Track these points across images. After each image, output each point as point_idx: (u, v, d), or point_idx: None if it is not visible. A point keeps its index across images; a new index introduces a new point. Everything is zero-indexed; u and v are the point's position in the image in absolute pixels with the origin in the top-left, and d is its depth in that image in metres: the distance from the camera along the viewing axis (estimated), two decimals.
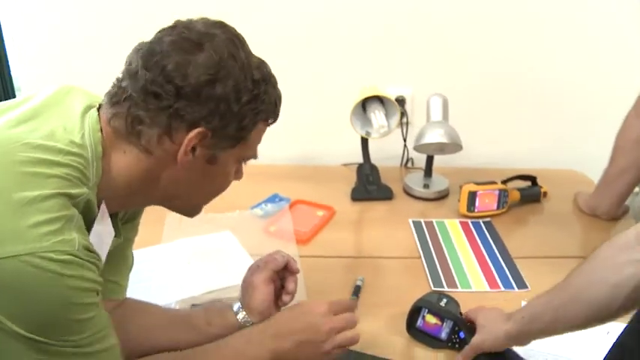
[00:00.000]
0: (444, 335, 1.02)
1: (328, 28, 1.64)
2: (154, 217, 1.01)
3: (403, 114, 1.66)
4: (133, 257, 0.96)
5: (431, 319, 1.02)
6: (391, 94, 1.60)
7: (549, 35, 1.68)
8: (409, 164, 1.76)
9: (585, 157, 1.69)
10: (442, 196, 1.59)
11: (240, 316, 0.93)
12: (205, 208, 0.87)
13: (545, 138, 1.81)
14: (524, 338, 0.89)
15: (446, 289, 1.19)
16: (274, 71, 0.78)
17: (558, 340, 0.87)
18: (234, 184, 0.85)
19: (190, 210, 0.86)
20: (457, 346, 1.00)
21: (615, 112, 1.39)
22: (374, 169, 1.61)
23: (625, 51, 1.68)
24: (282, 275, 0.97)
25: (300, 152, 1.79)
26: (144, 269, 1.12)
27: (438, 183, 1.61)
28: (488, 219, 1.47)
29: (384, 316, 1.09)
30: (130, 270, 0.96)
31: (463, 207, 1.47)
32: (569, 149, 1.79)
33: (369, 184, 1.58)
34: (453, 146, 1.46)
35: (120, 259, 0.90)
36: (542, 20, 1.66)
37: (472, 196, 1.46)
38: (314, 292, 1.14)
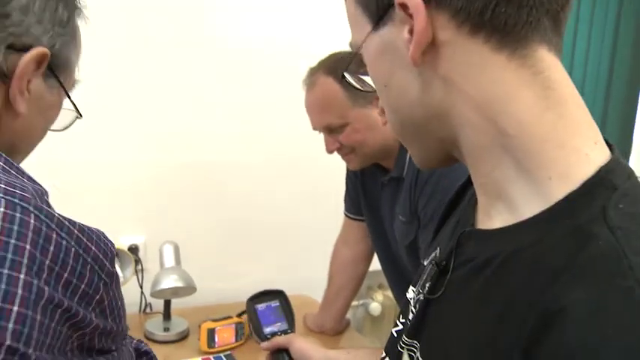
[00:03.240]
0: None
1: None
2: None
3: (137, 262, 1.70)
4: None
5: None
6: (124, 244, 1.65)
7: (268, 182, 1.94)
8: (148, 309, 1.79)
9: (310, 280, 1.91)
10: (183, 336, 1.64)
11: None
12: None
13: (271, 268, 2.01)
14: None
15: None
16: None
17: None
18: None
19: None
20: None
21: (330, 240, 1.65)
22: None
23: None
24: None
25: None
26: None
27: (178, 324, 1.66)
28: (228, 352, 1.56)
29: None
30: None
31: (204, 344, 1.54)
32: (294, 275, 2.00)
33: None
34: (188, 289, 1.55)
35: None
36: (260, 166, 1.92)
37: (211, 332, 1.55)
38: None
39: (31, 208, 0.55)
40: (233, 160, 1.89)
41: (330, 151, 1.34)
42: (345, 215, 1.68)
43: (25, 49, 0.64)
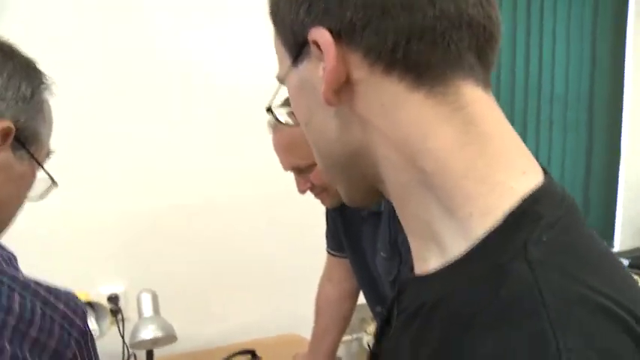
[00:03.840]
0: None
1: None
2: None
3: (117, 312, 1.66)
4: None
5: None
6: (103, 293, 1.61)
7: (247, 220, 1.90)
8: (132, 359, 1.73)
9: (298, 318, 1.86)
10: None
11: None
12: None
13: (258, 309, 1.96)
14: None
15: None
16: None
17: None
18: None
19: None
20: None
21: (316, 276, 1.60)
22: None
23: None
24: None
25: None
26: None
27: None
28: None
29: None
30: None
31: None
32: (281, 314, 1.96)
33: None
34: (167, 338, 1.50)
35: None
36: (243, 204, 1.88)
37: None
38: None
39: None
40: (210, 201, 1.86)
41: (301, 192, 1.30)
42: (328, 252, 1.63)
43: None
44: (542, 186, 0.44)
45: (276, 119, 0.64)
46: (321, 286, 1.65)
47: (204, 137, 1.84)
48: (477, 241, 0.42)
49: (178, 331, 1.53)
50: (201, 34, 1.82)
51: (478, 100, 0.45)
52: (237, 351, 1.69)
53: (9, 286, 0.58)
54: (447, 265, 0.45)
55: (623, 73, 2.94)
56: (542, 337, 0.35)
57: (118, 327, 1.67)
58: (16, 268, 0.64)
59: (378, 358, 0.56)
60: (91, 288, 1.56)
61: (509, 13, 2.59)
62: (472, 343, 0.37)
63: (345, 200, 0.58)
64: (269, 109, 0.62)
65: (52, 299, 0.62)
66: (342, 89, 0.46)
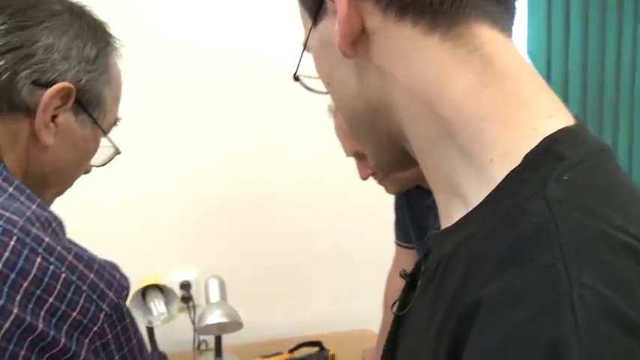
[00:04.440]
0: None
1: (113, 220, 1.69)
2: None
3: (189, 298, 1.69)
4: None
5: None
6: (176, 280, 1.65)
7: (315, 212, 1.89)
8: (202, 346, 1.77)
9: (367, 313, 1.82)
10: None
11: None
12: None
13: (329, 302, 1.94)
14: None
15: None
16: None
17: None
18: None
19: None
20: None
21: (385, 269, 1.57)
22: (162, 356, 1.58)
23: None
24: None
25: None
26: None
27: None
28: None
29: None
30: None
31: None
32: (349, 308, 1.92)
33: None
34: (233, 324, 1.51)
35: None
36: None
37: None
38: None
39: (15, 231, 0.56)
40: (282, 192, 1.86)
41: (363, 178, 1.27)
42: (396, 244, 1.59)
43: (50, 84, 0.67)
44: (568, 128, 0.41)
45: (305, 86, 0.63)
46: (390, 278, 1.60)
47: (268, 127, 1.85)
48: (496, 186, 0.40)
49: (246, 319, 1.55)
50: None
51: (495, 42, 0.44)
52: (303, 342, 1.68)
53: (31, 248, 0.55)
54: (466, 213, 0.42)
55: None
56: (553, 271, 0.32)
57: (189, 313, 1.71)
58: (56, 233, 0.61)
59: (400, 324, 0.55)
60: (163, 275, 1.59)
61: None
62: (485, 278, 0.35)
63: (375, 166, 0.56)
64: (296, 78, 0.61)
65: (81, 267, 0.58)
66: (359, 40, 0.45)
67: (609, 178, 0.39)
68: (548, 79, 2.31)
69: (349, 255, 1.93)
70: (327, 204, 1.91)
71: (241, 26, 1.81)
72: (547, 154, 0.38)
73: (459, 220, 0.43)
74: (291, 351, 1.60)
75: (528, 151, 0.39)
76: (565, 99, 2.36)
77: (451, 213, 0.46)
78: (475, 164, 0.42)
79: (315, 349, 1.68)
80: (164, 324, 1.53)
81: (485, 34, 0.43)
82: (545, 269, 0.32)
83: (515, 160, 0.39)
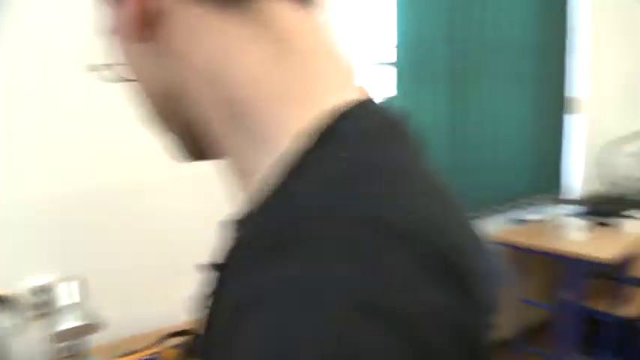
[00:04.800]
0: None
1: None
2: None
3: (43, 304, 1.59)
4: None
5: None
6: (27, 286, 1.54)
7: (177, 199, 1.84)
8: (66, 352, 1.68)
9: None
10: None
11: None
12: None
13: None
14: None
15: None
16: None
17: None
18: None
19: None
20: None
21: None
22: None
23: None
24: None
25: None
26: None
27: None
28: None
29: None
30: None
31: None
32: None
33: None
34: (92, 326, 1.45)
35: None
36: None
37: None
38: None
39: None
40: (138, 180, 1.80)
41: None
42: None
43: None
44: (360, 103, 0.41)
45: (106, 77, 0.58)
46: None
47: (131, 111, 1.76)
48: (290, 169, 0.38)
49: (111, 317, 1.49)
50: None
51: (289, 17, 0.42)
52: (170, 332, 1.65)
53: None
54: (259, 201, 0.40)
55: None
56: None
57: (45, 321, 1.61)
58: None
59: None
60: (10, 282, 1.49)
61: None
62: (245, 280, 0.34)
63: (183, 158, 0.53)
64: (98, 68, 0.56)
65: None
66: (155, 24, 0.42)
67: (392, 156, 0.38)
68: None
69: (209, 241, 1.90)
70: (186, 189, 1.87)
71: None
72: (328, 133, 0.38)
73: (249, 210, 0.40)
74: (159, 342, 1.57)
75: (317, 129, 0.38)
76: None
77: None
78: (267, 148, 0.40)
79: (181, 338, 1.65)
80: (17, 336, 1.43)
81: (280, 8, 0.41)
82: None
83: (303, 141, 0.38)
